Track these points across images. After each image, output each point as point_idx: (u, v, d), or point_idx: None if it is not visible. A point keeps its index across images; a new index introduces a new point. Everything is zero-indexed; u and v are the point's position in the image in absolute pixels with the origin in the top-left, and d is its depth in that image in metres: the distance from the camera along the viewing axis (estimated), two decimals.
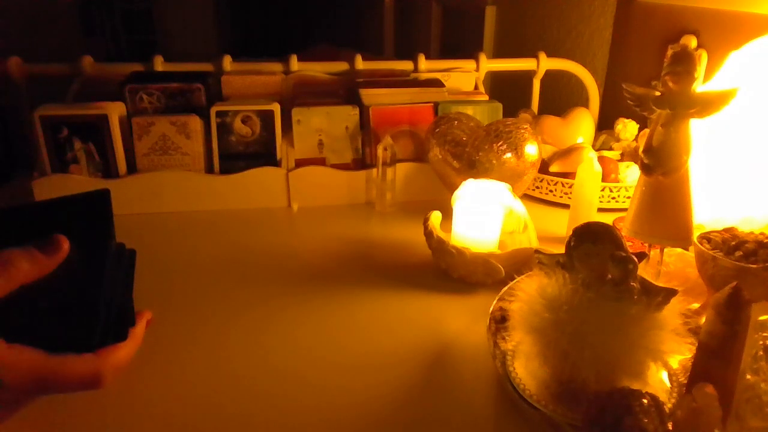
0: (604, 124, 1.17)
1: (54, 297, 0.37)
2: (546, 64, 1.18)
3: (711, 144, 0.72)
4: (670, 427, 0.43)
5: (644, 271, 0.48)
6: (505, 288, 0.63)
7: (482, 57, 1.14)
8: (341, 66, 1.09)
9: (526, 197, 0.96)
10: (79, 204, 0.41)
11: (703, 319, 0.49)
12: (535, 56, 1.17)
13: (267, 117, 0.91)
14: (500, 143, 0.83)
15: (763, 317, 0.44)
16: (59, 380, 0.36)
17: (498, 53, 1.77)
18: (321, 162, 0.95)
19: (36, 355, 0.35)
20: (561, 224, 0.87)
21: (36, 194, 0.86)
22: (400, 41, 2.56)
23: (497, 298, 0.62)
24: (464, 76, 1.13)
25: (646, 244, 0.66)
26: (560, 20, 1.48)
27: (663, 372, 0.51)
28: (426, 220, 0.74)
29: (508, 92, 1.32)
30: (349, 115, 0.95)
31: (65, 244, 0.38)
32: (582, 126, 1.08)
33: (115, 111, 0.87)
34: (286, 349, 0.60)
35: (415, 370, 0.57)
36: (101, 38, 3.19)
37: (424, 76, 1.10)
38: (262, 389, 0.54)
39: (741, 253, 0.59)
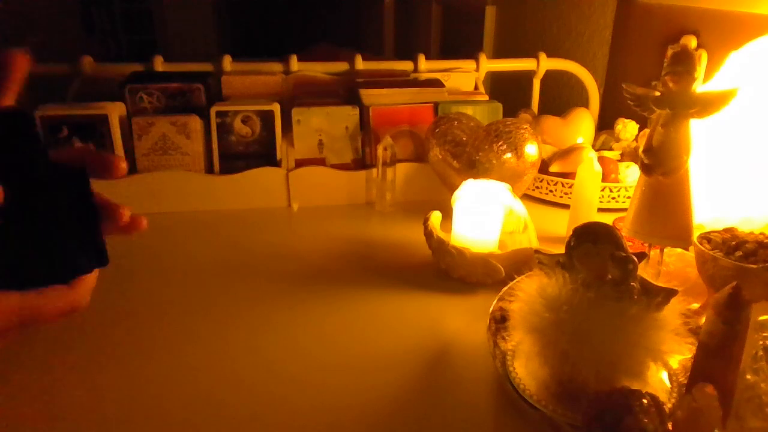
0: (604, 124, 1.17)
1: (15, 236, 0.36)
2: (546, 64, 1.18)
3: (711, 144, 0.72)
4: (670, 427, 0.43)
5: (644, 271, 0.48)
6: (505, 288, 0.63)
7: (482, 57, 1.14)
8: (341, 66, 1.08)
9: (526, 197, 0.96)
10: None
11: (703, 319, 0.49)
12: (535, 56, 1.17)
13: (267, 117, 0.91)
14: (500, 143, 0.83)
15: (763, 317, 0.44)
16: (37, 317, 0.36)
17: (498, 53, 1.76)
18: (321, 162, 0.95)
19: (10, 298, 0.35)
20: (561, 224, 0.87)
21: None
22: (400, 41, 2.56)
23: (497, 298, 0.62)
24: (464, 76, 1.13)
25: (646, 244, 0.66)
26: (560, 20, 1.48)
27: (663, 372, 0.51)
28: (426, 220, 0.74)
29: (508, 92, 1.32)
30: (349, 115, 0.95)
31: None
32: (582, 126, 1.08)
33: (115, 111, 0.87)
34: (286, 349, 0.60)
35: (415, 370, 0.57)
36: (101, 38, 3.19)
37: (424, 76, 1.10)
38: (261, 389, 0.54)
39: (741, 253, 0.60)
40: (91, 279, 0.39)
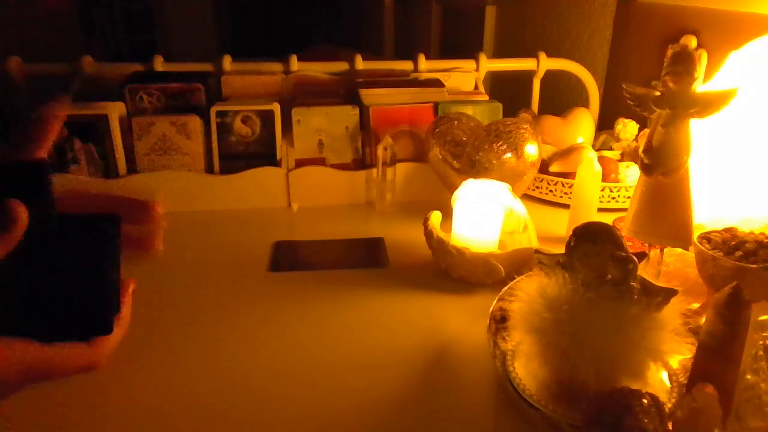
0: (604, 124, 1.17)
1: (43, 285, 0.36)
2: (546, 64, 1.17)
3: (711, 144, 0.72)
4: (670, 427, 0.43)
5: (644, 271, 0.48)
6: (505, 288, 0.63)
7: (482, 57, 1.14)
8: (341, 66, 1.08)
9: (526, 197, 0.96)
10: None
11: (703, 319, 0.49)
12: (535, 56, 1.17)
13: (267, 117, 0.91)
14: (500, 143, 0.83)
15: (763, 317, 0.44)
16: (52, 372, 0.36)
17: (498, 53, 1.76)
18: (321, 162, 0.95)
19: (29, 348, 0.34)
20: (561, 224, 0.87)
21: None
22: (400, 41, 2.56)
23: (497, 298, 0.62)
24: (464, 76, 1.13)
25: (646, 244, 0.66)
26: (560, 20, 1.48)
27: (663, 372, 0.51)
28: (426, 220, 0.74)
29: (508, 92, 1.32)
30: (349, 115, 0.95)
31: (22, 212, 0.33)
32: (582, 126, 1.08)
33: (115, 111, 0.87)
34: (286, 349, 0.60)
35: (415, 370, 0.57)
36: (101, 38, 3.19)
37: (424, 76, 1.10)
38: (261, 389, 0.54)
39: (741, 253, 0.60)
40: (112, 340, 0.39)
